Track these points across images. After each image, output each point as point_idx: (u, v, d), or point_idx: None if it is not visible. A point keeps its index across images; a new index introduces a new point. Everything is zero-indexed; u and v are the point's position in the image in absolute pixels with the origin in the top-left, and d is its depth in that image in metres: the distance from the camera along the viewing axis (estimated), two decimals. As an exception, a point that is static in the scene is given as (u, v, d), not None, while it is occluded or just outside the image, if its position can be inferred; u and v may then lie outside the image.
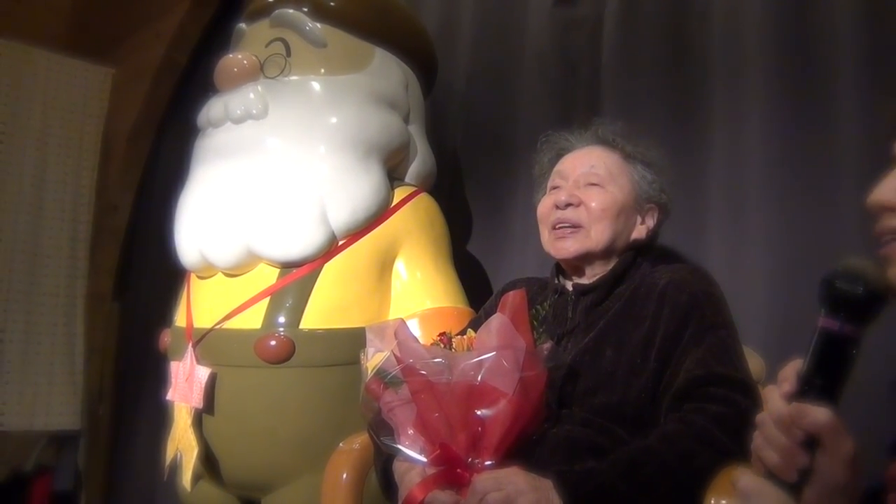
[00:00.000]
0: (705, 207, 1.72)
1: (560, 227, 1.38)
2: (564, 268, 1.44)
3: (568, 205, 1.38)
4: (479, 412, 1.08)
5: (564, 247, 1.37)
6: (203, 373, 1.65)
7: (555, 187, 1.44)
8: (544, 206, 1.44)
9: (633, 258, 1.40)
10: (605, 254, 1.38)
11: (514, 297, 1.20)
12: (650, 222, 1.43)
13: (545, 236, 1.43)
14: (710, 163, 1.73)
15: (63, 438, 3.11)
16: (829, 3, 1.58)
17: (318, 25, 1.82)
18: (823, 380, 0.67)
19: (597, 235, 1.36)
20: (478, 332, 1.17)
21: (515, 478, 1.04)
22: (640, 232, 1.42)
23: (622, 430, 1.17)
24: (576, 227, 1.37)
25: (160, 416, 1.95)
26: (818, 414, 0.65)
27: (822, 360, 0.68)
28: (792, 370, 0.69)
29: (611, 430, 1.17)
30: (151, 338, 2.01)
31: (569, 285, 1.41)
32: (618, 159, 1.43)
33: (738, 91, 1.70)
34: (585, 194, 1.38)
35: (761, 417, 0.70)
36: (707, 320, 1.23)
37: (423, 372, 1.11)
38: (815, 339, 0.69)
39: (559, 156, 1.50)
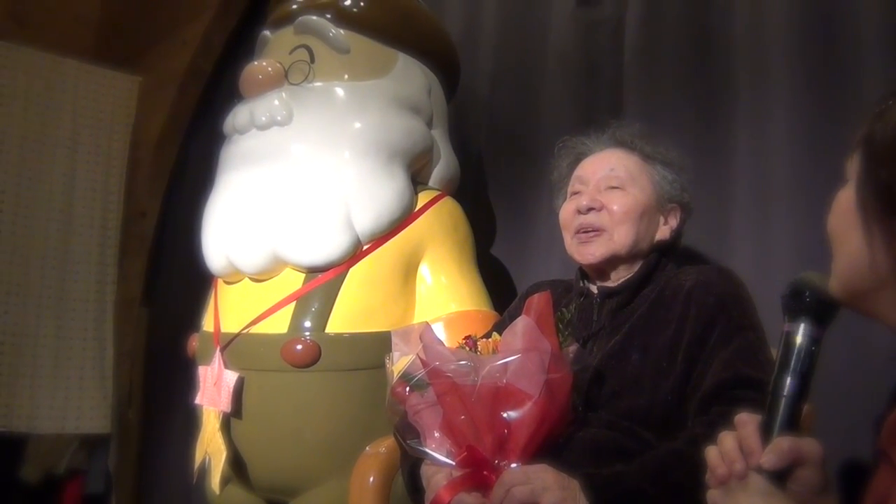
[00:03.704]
0: (731, 207, 1.71)
1: (584, 232, 1.38)
2: (589, 272, 1.43)
3: (590, 209, 1.37)
4: (504, 414, 1.08)
5: (590, 251, 1.37)
6: (231, 377, 1.67)
7: (575, 192, 1.44)
8: (566, 211, 1.44)
9: (657, 260, 1.39)
10: (629, 256, 1.37)
11: (539, 300, 1.19)
12: (673, 222, 1.43)
13: (569, 242, 1.42)
14: (736, 162, 1.72)
15: (94, 441, 3.15)
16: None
17: (342, 31, 1.84)
18: (792, 376, 0.76)
19: (620, 238, 1.35)
20: (503, 334, 1.17)
21: (544, 474, 1.04)
22: (663, 233, 1.41)
23: (649, 434, 1.16)
24: (599, 231, 1.36)
25: (189, 420, 1.97)
26: (811, 445, 0.72)
27: (788, 359, 0.77)
28: (748, 417, 0.76)
29: (637, 433, 1.17)
30: (179, 342, 2.03)
31: (594, 288, 1.41)
32: (637, 160, 1.42)
33: (762, 90, 1.68)
34: (607, 198, 1.38)
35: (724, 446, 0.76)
36: (734, 322, 1.22)
37: (448, 374, 1.11)
38: (781, 342, 0.78)
39: (577, 160, 1.49)
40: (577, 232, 1.39)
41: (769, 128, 1.65)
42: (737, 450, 0.74)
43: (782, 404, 0.75)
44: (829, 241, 0.79)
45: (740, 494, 0.72)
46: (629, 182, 1.38)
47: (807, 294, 0.78)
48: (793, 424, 0.75)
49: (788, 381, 0.76)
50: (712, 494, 0.75)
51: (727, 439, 0.75)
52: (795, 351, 0.76)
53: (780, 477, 0.71)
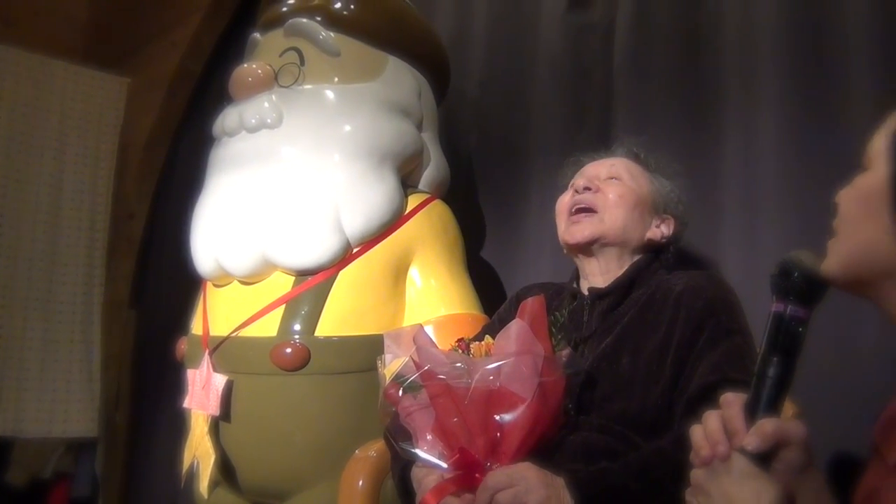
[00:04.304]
0: (720, 210, 1.72)
1: (576, 212, 1.40)
2: (578, 259, 1.44)
3: (586, 189, 1.41)
4: (497, 417, 1.08)
5: (579, 230, 1.39)
6: (220, 380, 1.66)
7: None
8: (563, 199, 1.46)
9: (648, 262, 1.40)
10: (618, 243, 1.39)
11: (533, 304, 1.20)
12: (666, 230, 1.44)
13: (561, 228, 1.44)
14: (724, 166, 1.73)
15: (81, 445, 3.13)
16: (842, 5, 1.57)
17: (332, 34, 1.84)
18: (778, 357, 0.76)
19: (611, 221, 1.38)
20: (496, 337, 1.17)
21: (527, 473, 1.04)
22: (654, 234, 1.43)
23: (639, 437, 1.17)
24: (591, 211, 1.39)
25: (177, 424, 1.96)
26: (795, 427, 0.72)
27: (775, 339, 0.76)
28: (733, 397, 0.76)
29: (628, 436, 1.17)
30: (168, 345, 2.02)
31: (585, 289, 1.42)
32: (639, 167, 1.47)
33: (751, 94, 1.69)
34: (604, 185, 1.42)
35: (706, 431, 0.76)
36: (723, 326, 1.23)
37: (441, 376, 1.11)
38: (769, 322, 0.78)
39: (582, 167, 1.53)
40: (571, 213, 1.41)
41: (758, 131, 1.66)
42: (721, 431, 0.74)
43: (767, 385, 0.75)
44: (838, 221, 0.79)
45: (723, 476, 0.72)
46: (628, 177, 1.43)
47: (796, 273, 0.77)
48: (777, 405, 0.75)
49: (774, 361, 0.75)
50: (696, 475, 0.75)
51: (711, 419, 0.76)
52: (782, 331, 0.76)
53: (763, 458, 0.71)
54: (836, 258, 0.77)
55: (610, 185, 1.41)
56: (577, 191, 1.42)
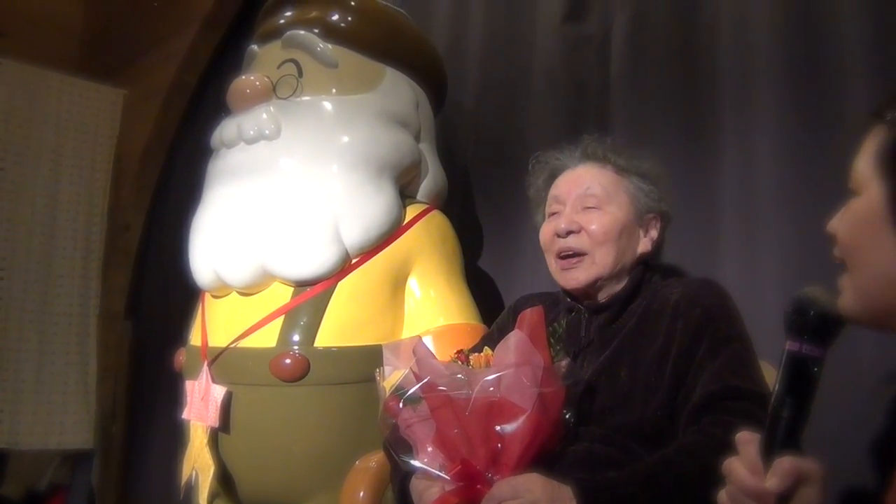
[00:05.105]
0: (717, 221, 1.73)
1: (565, 258, 1.38)
2: (575, 295, 1.44)
3: (569, 232, 1.37)
4: (498, 428, 1.09)
5: (574, 277, 1.37)
6: (219, 391, 1.66)
7: (553, 213, 1.44)
8: (545, 234, 1.43)
9: (643, 273, 1.40)
10: (615, 275, 1.38)
11: (531, 314, 1.20)
12: (653, 233, 1.43)
13: (552, 266, 1.42)
14: (722, 176, 1.74)
15: (77, 457, 3.12)
16: (838, 14, 1.58)
17: (330, 46, 1.84)
18: (793, 398, 0.74)
19: (602, 260, 1.35)
20: (496, 348, 1.17)
21: (533, 485, 1.04)
22: (645, 245, 1.41)
23: (640, 448, 1.17)
24: (580, 255, 1.37)
25: (173, 435, 1.96)
26: (811, 465, 0.71)
27: (789, 379, 0.75)
28: (749, 436, 0.75)
29: (629, 447, 1.18)
30: (163, 356, 2.02)
31: (582, 302, 1.42)
32: (611, 175, 1.41)
33: (748, 104, 1.70)
34: (584, 218, 1.38)
35: (732, 486, 0.75)
36: (721, 333, 1.23)
37: (442, 388, 1.12)
38: (783, 361, 0.76)
39: (553, 176, 1.49)
40: (559, 256, 1.39)
41: (755, 142, 1.67)
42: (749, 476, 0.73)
43: (782, 426, 0.74)
44: (840, 252, 0.77)
45: None
46: (606, 200, 1.38)
47: (811, 312, 0.75)
48: (793, 444, 0.73)
49: (789, 402, 0.74)
50: None
51: (735, 465, 0.75)
52: (797, 371, 0.74)
53: (783, 498, 0.70)
54: (852, 294, 0.75)
55: (591, 217, 1.37)
56: (559, 234, 1.38)
